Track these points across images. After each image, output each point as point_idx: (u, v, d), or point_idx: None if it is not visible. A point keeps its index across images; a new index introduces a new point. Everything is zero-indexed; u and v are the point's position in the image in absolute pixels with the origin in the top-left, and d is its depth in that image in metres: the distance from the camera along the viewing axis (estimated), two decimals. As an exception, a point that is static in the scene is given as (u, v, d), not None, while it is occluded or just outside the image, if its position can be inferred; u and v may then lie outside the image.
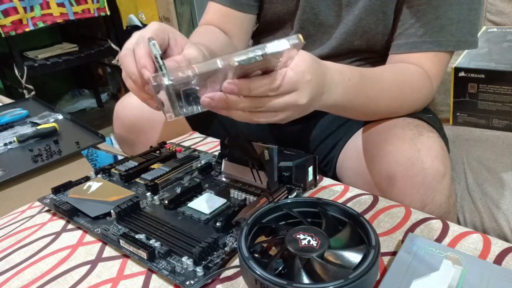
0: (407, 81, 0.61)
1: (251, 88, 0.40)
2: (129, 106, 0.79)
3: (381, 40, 0.68)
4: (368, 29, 0.68)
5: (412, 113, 0.64)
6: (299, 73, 0.42)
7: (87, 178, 0.63)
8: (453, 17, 0.60)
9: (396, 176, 0.55)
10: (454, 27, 0.60)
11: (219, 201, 0.53)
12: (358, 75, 0.54)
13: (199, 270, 0.42)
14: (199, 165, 0.63)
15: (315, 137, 0.78)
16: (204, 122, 0.82)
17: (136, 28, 2.37)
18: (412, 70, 0.62)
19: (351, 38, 0.70)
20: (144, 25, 2.45)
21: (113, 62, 2.24)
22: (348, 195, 0.55)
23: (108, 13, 2.10)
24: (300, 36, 0.36)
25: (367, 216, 0.50)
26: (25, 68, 1.90)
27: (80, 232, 0.52)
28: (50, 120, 1.05)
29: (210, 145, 0.74)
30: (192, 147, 0.72)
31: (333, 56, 0.72)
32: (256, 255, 0.41)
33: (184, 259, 0.43)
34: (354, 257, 0.38)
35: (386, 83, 0.59)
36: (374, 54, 0.71)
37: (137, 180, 0.62)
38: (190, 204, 0.53)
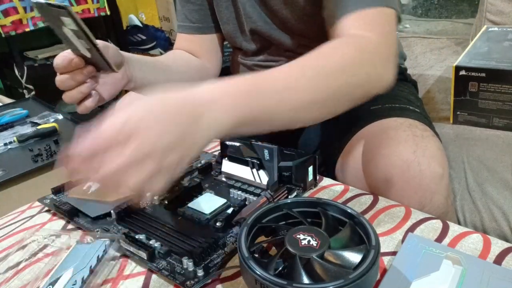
0: (331, 64, 0.48)
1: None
2: None
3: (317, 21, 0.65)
4: (300, 14, 0.67)
5: (388, 84, 0.52)
6: (120, 123, 0.35)
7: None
8: None
9: (393, 179, 0.54)
10: None
11: (219, 201, 0.53)
12: (243, 83, 0.42)
13: (199, 270, 0.42)
14: (199, 165, 0.63)
15: (315, 138, 0.78)
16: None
17: (136, 28, 2.37)
18: (330, 46, 0.51)
19: (291, 28, 0.70)
20: (144, 25, 2.45)
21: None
22: (348, 195, 0.55)
23: (108, 13, 2.10)
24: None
25: (367, 216, 0.50)
26: (25, 68, 1.90)
27: (80, 232, 0.52)
28: (50, 120, 1.05)
29: (210, 145, 0.74)
30: (192, 147, 0.72)
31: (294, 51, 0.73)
32: (256, 255, 0.41)
33: (184, 259, 0.43)
34: (354, 257, 0.38)
35: (303, 84, 0.46)
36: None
37: (137, 180, 0.61)
38: (190, 204, 0.53)
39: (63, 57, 0.53)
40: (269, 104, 0.43)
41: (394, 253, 0.44)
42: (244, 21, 0.74)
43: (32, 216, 0.58)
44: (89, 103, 0.56)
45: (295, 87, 0.44)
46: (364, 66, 0.50)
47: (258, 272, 0.35)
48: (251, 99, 0.41)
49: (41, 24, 1.87)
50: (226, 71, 0.94)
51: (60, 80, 0.54)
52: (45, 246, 0.50)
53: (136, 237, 0.47)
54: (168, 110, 0.36)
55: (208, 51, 0.82)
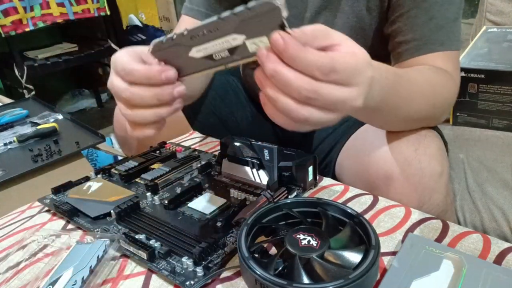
0: (434, 78, 0.56)
1: (304, 55, 0.31)
2: None
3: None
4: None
5: (440, 117, 0.60)
6: (361, 63, 0.34)
7: (87, 178, 0.63)
8: (449, 16, 0.59)
9: (393, 175, 0.55)
10: (452, 26, 0.59)
11: (219, 201, 0.53)
12: (392, 72, 0.47)
13: (199, 270, 0.42)
14: (199, 165, 0.63)
15: (315, 137, 0.78)
16: (204, 122, 0.82)
17: (136, 28, 2.37)
18: (434, 68, 0.58)
19: None
20: (144, 25, 2.46)
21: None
22: (348, 195, 0.55)
23: (108, 13, 2.10)
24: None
25: (367, 216, 0.50)
26: (25, 68, 1.90)
27: (80, 232, 0.52)
28: (50, 120, 1.05)
29: (210, 145, 0.74)
30: (192, 147, 0.72)
31: None
32: (256, 255, 0.41)
33: (184, 259, 0.43)
34: (354, 257, 0.38)
35: (416, 81, 0.53)
36: None
37: (137, 180, 0.62)
38: (190, 204, 0.53)
39: (149, 67, 0.38)
40: (398, 102, 0.49)
41: (394, 253, 0.44)
42: None
43: (32, 216, 0.58)
44: (154, 130, 0.41)
45: (419, 89, 0.53)
46: (449, 104, 0.61)
47: (258, 272, 0.35)
48: (393, 90, 0.46)
49: (41, 24, 1.87)
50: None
51: (139, 94, 0.38)
52: (45, 246, 0.50)
53: (136, 237, 0.47)
54: (371, 66, 0.37)
55: None
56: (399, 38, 0.61)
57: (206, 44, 0.35)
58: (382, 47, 0.65)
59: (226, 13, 0.33)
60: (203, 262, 0.43)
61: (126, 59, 0.39)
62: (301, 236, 0.40)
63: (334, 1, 0.65)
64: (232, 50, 0.35)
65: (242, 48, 0.34)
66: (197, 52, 0.36)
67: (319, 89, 0.32)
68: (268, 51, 0.33)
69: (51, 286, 0.41)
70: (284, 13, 0.31)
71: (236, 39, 0.34)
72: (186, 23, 0.74)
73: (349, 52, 0.33)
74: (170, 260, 0.44)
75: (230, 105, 0.85)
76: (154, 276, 0.44)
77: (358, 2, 0.64)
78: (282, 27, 0.32)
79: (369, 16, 0.64)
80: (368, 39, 0.66)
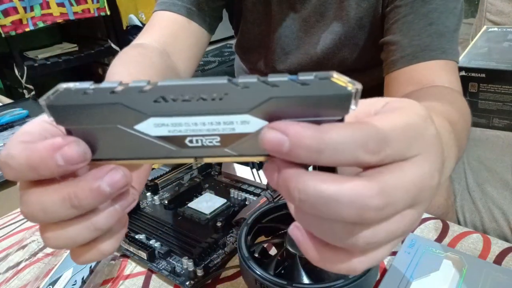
0: (454, 101, 0.46)
1: (324, 140, 0.18)
2: None
3: (358, 62, 0.67)
4: (342, 59, 0.67)
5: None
6: (418, 118, 0.20)
7: (87, 178, 0.63)
8: (449, 25, 0.54)
9: None
10: (453, 35, 0.54)
11: (219, 201, 0.53)
12: (446, 121, 0.34)
13: (199, 270, 0.42)
14: (199, 165, 0.63)
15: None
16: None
17: (136, 28, 2.37)
18: (441, 88, 0.50)
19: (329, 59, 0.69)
20: (144, 25, 2.45)
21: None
22: (348, 195, 0.55)
23: (108, 13, 2.10)
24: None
25: (367, 216, 0.50)
26: (25, 68, 1.90)
27: (80, 232, 0.52)
28: (50, 120, 1.05)
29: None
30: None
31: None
32: (256, 255, 0.41)
33: (184, 259, 0.43)
34: (354, 257, 0.38)
35: (452, 116, 0.41)
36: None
37: (137, 180, 0.61)
38: (190, 204, 0.53)
39: (32, 146, 0.20)
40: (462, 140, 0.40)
41: (394, 253, 0.44)
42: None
43: (32, 216, 0.57)
44: (113, 244, 0.23)
45: (457, 121, 0.40)
46: (468, 114, 0.50)
47: (258, 272, 0.35)
48: (456, 141, 0.34)
49: (41, 24, 1.87)
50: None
51: (37, 201, 0.21)
52: (45, 246, 0.50)
53: (136, 237, 0.47)
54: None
55: (193, 57, 0.64)
56: (393, 45, 0.55)
57: (181, 118, 0.19)
58: (377, 57, 0.61)
59: (247, 78, 0.18)
60: (203, 262, 0.43)
61: (16, 137, 0.21)
62: (301, 236, 0.40)
63: (326, 18, 0.65)
64: (228, 138, 0.20)
65: (248, 140, 0.20)
66: (155, 127, 0.20)
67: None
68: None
69: (51, 286, 0.41)
70: (353, 105, 0.19)
71: (247, 124, 0.19)
72: (166, 21, 0.61)
73: (394, 111, 0.21)
74: (170, 260, 0.44)
75: None
76: (154, 276, 0.44)
77: (349, 22, 0.63)
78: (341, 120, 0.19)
79: (361, 32, 0.63)
80: (362, 52, 0.66)
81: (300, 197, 0.18)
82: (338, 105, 0.19)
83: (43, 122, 0.21)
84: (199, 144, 0.20)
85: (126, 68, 0.47)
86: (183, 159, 0.21)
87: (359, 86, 0.18)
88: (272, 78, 0.18)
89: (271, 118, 0.19)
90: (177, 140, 0.20)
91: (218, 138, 0.20)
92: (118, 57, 0.51)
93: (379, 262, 0.21)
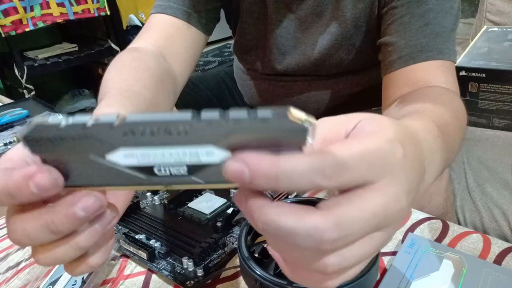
0: (448, 102, 0.45)
1: (280, 171, 0.19)
2: None
3: (355, 63, 0.67)
4: (339, 60, 0.67)
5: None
6: (384, 142, 0.21)
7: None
8: (446, 25, 0.54)
9: None
10: (449, 35, 0.54)
11: (219, 201, 0.53)
12: (435, 125, 0.34)
13: (199, 270, 0.42)
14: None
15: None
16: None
17: (136, 28, 2.37)
18: (436, 89, 0.50)
19: (326, 60, 0.69)
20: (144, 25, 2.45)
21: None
22: (348, 195, 0.55)
23: (108, 13, 2.10)
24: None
25: (367, 216, 0.50)
26: (25, 68, 1.90)
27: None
28: (50, 120, 1.05)
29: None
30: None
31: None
32: (256, 255, 0.41)
33: (184, 259, 0.43)
34: (354, 257, 0.38)
35: (445, 117, 0.40)
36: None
37: (137, 180, 0.61)
38: (190, 204, 0.53)
39: (8, 173, 0.20)
40: (452, 155, 0.39)
41: (394, 253, 0.44)
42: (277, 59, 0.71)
43: (32, 216, 0.57)
44: (101, 258, 0.25)
45: (451, 122, 0.40)
46: (464, 115, 0.49)
47: (258, 272, 0.35)
48: (444, 146, 0.33)
49: (41, 24, 1.87)
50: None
51: (20, 226, 0.22)
52: (45, 246, 0.50)
53: (136, 237, 0.47)
54: (419, 158, 0.24)
55: (189, 60, 0.64)
56: (390, 46, 0.56)
57: (149, 149, 0.20)
58: (374, 58, 0.61)
59: (210, 114, 0.20)
60: (203, 262, 0.43)
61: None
62: (301, 236, 0.40)
63: (323, 19, 0.65)
64: (194, 168, 0.21)
65: (214, 170, 0.21)
66: (125, 157, 0.21)
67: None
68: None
69: (51, 286, 0.41)
70: (310, 140, 0.20)
71: (211, 155, 0.20)
72: (162, 24, 0.61)
73: (366, 133, 0.22)
74: (170, 260, 0.44)
75: (227, 106, 0.85)
76: (154, 276, 0.44)
77: (345, 23, 0.63)
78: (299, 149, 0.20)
79: (357, 33, 0.63)
80: (358, 53, 0.66)
81: (263, 228, 0.20)
82: (295, 140, 0.20)
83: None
84: (167, 173, 0.21)
85: (119, 74, 0.48)
86: (152, 186, 0.22)
87: (314, 121, 0.19)
88: (232, 114, 0.19)
89: (234, 149, 0.20)
90: (146, 170, 0.21)
91: (185, 168, 0.21)
92: (113, 62, 0.51)
93: (353, 277, 0.22)
